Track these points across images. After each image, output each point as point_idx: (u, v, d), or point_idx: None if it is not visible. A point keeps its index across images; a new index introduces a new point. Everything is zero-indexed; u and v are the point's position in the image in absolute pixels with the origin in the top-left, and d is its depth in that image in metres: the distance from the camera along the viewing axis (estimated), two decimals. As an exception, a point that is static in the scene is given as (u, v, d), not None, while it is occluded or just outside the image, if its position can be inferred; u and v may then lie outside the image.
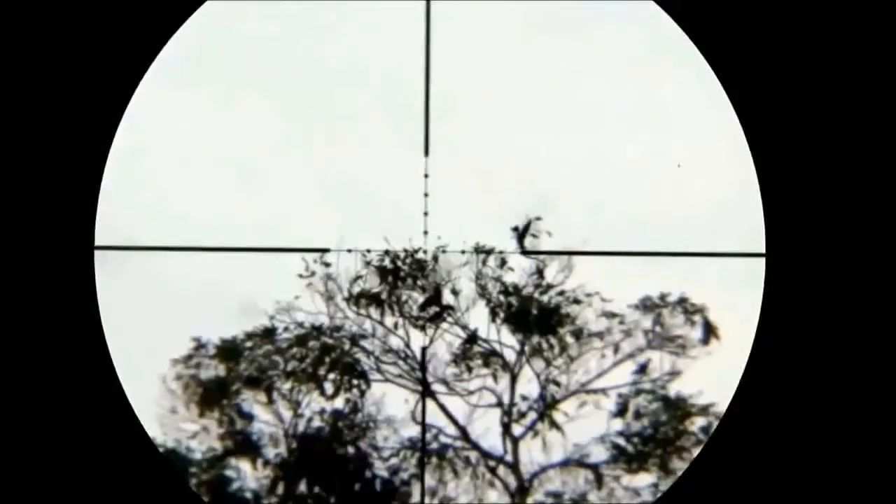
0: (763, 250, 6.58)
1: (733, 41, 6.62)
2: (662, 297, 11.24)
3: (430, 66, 10.13)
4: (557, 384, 11.16)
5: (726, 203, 10.34)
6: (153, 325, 10.47)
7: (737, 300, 9.80)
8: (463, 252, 11.07)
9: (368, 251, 11.06)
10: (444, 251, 11.04)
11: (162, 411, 10.98)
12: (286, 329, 11.19)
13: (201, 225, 10.63)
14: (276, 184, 10.97)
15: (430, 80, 10.16)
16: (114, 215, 7.73)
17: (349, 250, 11.02)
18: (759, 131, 6.49)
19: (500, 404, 11.17)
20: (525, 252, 11.16)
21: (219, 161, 11.01)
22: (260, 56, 10.92)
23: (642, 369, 11.20)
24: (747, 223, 8.49)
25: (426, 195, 10.68)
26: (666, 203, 10.85)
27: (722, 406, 10.79)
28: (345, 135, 10.97)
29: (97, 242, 6.66)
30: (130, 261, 10.23)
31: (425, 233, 10.89)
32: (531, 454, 11.11)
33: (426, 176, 10.62)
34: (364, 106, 10.87)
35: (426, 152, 10.56)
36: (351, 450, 11.06)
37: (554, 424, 11.13)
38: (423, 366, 11.13)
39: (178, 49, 6.98)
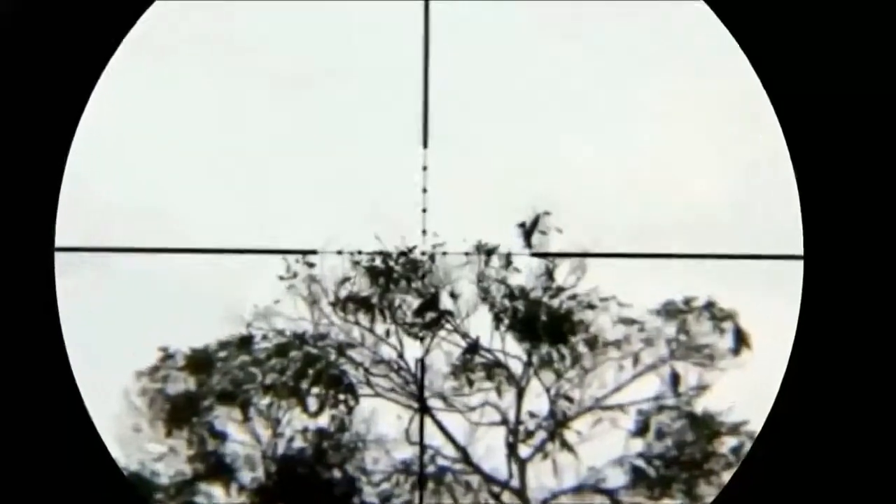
0: (801, 252, 6.67)
1: (771, 33, 6.78)
2: (687, 301, 11.14)
3: (430, 50, 10.17)
4: (569, 399, 11.12)
5: (759, 201, 10.44)
6: (117, 333, 10.49)
7: (770, 307, 9.83)
8: (467, 254, 11.05)
9: (359, 252, 10.99)
10: (443, 253, 11.00)
11: (125, 430, 10.97)
12: (264, 337, 11.13)
13: (171, 224, 10.64)
14: (257, 178, 10.89)
15: (430, 63, 10.26)
16: (76, 214, 7.80)
17: (338, 252, 10.94)
18: (797, 126, 6.63)
19: (504, 422, 11.08)
20: (534, 253, 11.13)
21: (191, 153, 10.96)
22: (237, 41, 10.84)
23: (675, 381, 11.17)
24: (782, 222, 8.67)
25: (424, 191, 10.67)
26: (691, 201, 10.84)
27: (755, 424, 10.79)
28: (333, 125, 10.90)
29: (57, 244, 6.71)
30: (92, 263, 10.31)
31: (423, 232, 10.85)
32: (540, 478, 11.06)
33: (424, 168, 10.61)
34: (357, 93, 10.82)
35: (425, 144, 10.52)
36: (337, 473, 11.03)
37: (566, 445, 11.07)
38: (419, 379, 11.07)
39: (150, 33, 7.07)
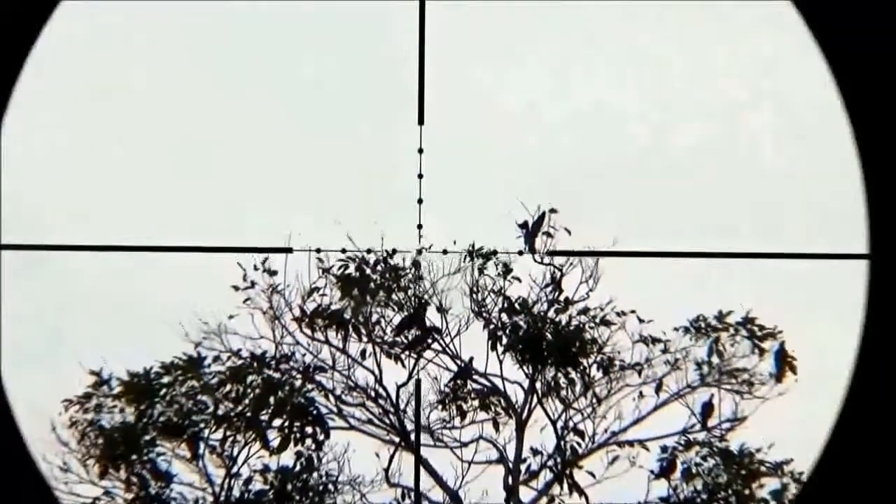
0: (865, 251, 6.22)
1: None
2: (721, 316, 10.92)
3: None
4: (580, 434, 10.97)
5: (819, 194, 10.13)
6: (40, 351, 10.19)
7: (824, 320, 9.57)
8: (446, 252, 10.78)
9: (319, 252, 10.67)
10: (427, 259, 10.72)
11: (52, 469, 10.47)
12: (216, 359, 10.84)
13: (108, 219, 10.32)
14: (220, 163, 10.55)
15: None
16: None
17: (317, 250, 10.61)
18: (863, 113, 6.11)
19: (502, 460, 10.91)
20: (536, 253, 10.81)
21: (143, 135, 10.61)
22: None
23: (706, 411, 11.02)
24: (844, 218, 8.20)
25: (420, 176, 10.31)
26: (729, 193, 10.61)
27: (801, 464, 10.67)
28: (312, 99, 10.60)
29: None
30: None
31: (419, 226, 10.55)
32: (545, 528, 10.56)
33: (420, 151, 10.26)
34: (341, 64, 10.64)
35: (420, 120, 10.12)
36: (303, 521, 10.44)
37: (575, 487, 10.86)
38: (400, 409, 10.86)
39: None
